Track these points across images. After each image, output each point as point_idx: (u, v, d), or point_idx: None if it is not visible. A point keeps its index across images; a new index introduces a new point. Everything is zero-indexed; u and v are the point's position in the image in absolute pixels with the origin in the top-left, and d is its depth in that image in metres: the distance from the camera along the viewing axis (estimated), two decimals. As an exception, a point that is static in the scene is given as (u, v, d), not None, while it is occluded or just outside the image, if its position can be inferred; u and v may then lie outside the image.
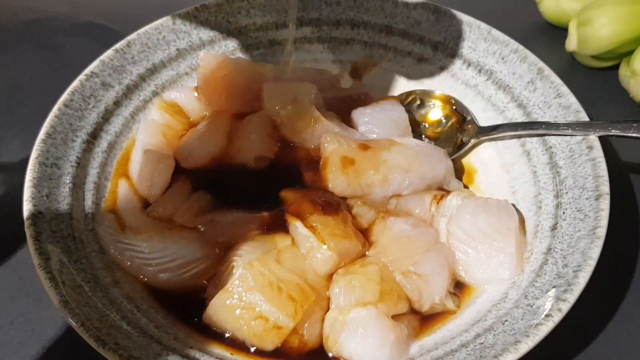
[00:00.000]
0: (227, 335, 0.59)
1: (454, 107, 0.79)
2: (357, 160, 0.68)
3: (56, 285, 0.55)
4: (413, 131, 0.77)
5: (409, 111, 0.78)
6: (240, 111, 0.77)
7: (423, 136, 0.80)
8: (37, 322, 0.63)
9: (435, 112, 0.80)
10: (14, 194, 0.71)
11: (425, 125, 0.80)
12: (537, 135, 0.71)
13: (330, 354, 0.59)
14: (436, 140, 0.79)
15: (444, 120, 0.79)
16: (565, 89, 0.71)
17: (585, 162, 0.65)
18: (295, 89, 0.75)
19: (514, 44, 0.77)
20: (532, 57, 0.75)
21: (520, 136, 0.74)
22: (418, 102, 0.81)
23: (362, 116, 0.76)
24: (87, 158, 0.70)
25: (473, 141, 0.75)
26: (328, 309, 0.60)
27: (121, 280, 0.63)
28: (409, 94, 0.82)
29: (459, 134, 0.77)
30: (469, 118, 0.78)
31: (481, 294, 0.63)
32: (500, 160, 0.75)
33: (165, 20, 0.80)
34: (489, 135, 0.74)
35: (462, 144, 0.76)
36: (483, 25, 0.79)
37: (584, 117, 0.69)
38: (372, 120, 0.75)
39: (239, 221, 0.65)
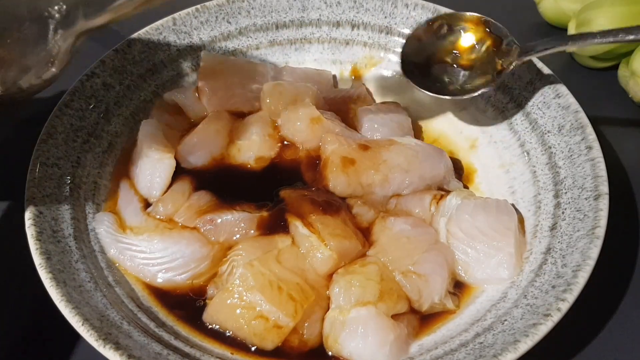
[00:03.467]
0: (227, 334, 0.60)
1: (488, 29, 0.73)
2: (358, 160, 0.68)
3: (57, 285, 0.55)
4: (443, 62, 0.73)
5: (437, 39, 0.73)
6: (240, 111, 0.77)
7: (455, 66, 0.73)
8: (38, 322, 0.63)
9: (466, 38, 0.74)
10: (14, 193, 0.71)
11: (456, 54, 0.74)
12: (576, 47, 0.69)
13: (330, 353, 0.59)
14: (471, 68, 0.73)
15: (477, 46, 0.73)
16: (564, 89, 0.71)
17: (584, 162, 0.66)
18: (295, 89, 0.75)
19: (514, 44, 0.77)
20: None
21: (519, 137, 0.74)
22: (445, 28, 0.74)
23: (366, 115, 0.76)
24: (87, 158, 0.70)
25: (515, 63, 0.70)
26: (328, 309, 0.60)
27: (122, 279, 0.63)
28: (434, 20, 0.76)
29: (497, 58, 0.71)
30: (507, 39, 0.72)
31: (480, 293, 0.63)
32: (499, 160, 0.75)
33: (165, 21, 0.80)
34: (532, 54, 0.69)
35: (503, 70, 0.71)
36: (483, 25, 0.79)
37: (583, 117, 0.69)
38: (375, 119, 0.75)
39: (239, 221, 0.65)
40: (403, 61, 0.75)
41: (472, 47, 0.74)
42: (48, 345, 0.62)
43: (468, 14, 0.75)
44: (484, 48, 0.73)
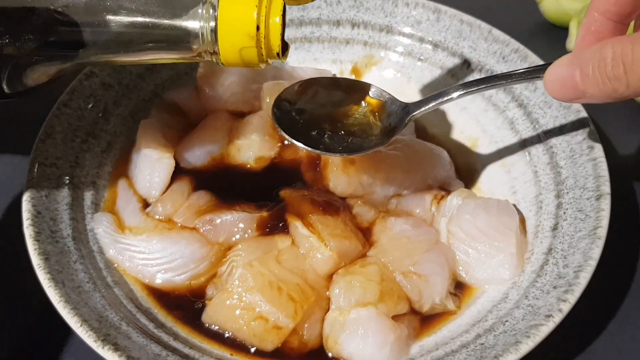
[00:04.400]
0: (227, 335, 0.59)
1: (368, 93, 0.69)
2: (358, 160, 0.68)
3: (55, 286, 0.55)
4: (322, 127, 0.66)
5: (313, 105, 0.67)
6: (240, 111, 0.77)
7: (329, 134, 0.65)
8: (37, 323, 0.63)
9: (345, 104, 0.68)
10: (13, 193, 0.71)
11: (335, 123, 0.67)
12: (470, 92, 0.65)
13: (330, 355, 0.59)
14: (354, 134, 0.66)
15: (359, 112, 0.68)
16: (565, 89, 0.71)
17: (586, 162, 0.65)
18: (295, 89, 0.75)
19: (515, 44, 0.77)
20: (533, 57, 0.75)
21: (520, 137, 0.73)
22: (321, 93, 0.68)
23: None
24: (86, 158, 0.69)
25: (404, 123, 0.66)
26: (328, 310, 0.60)
27: (121, 280, 0.62)
28: (306, 84, 0.68)
29: (382, 120, 0.67)
30: (388, 100, 0.68)
31: (481, 294, 0.63)
32: (500, 160, 0.75)
33: (165, 20, 0.79)
34: (418, 113, 0.66)
35: (392, 130, 0.66)
36: (483, 24, 0.79)
37: (584, 117, 0.69)
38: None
39: (238, 221, 0.65)
40: (276, 119, 0.65)
41: (353, 112, 0.68)
42: (46, 345, 0.62)
43: (343, 78, 0.71)
44: (365, 113, 0.68)
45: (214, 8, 0.50)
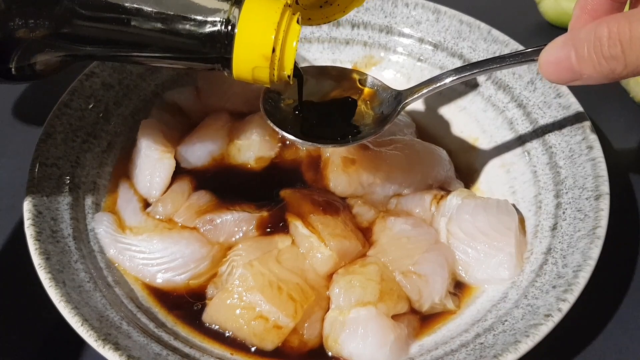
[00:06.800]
0: (227, 334, 0.59)
1: (359, 81, 0.67)
2: (358, 160, 0.68)
3: (56, 285, 0.55)
4: (312, 116, 0.64)
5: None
6: (240, 111, 0.77)
7: (320, 125, 0.64)
8: (37, 322, 0.63)
9: (336, 94, 0.67)
10: (14, 193, 0.71)
11: (326, 113, 0.66)
12: (467, 76, 0.64)
13: (330, 354, 0.59)
14: (345, 122, 0.65)
15: (350, 101, 0.67)
16: (565, 89, 0.71)
17: (585, 162, 0.66)
18: (295, 89, 0.75)
19: (514, 44, 0.77)
20: (532, 57, 0.75)
21: (520, 137, 0.74)
22: (310, 83, 0.65)
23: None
24: (87, 158, 0.70)
25: (397, 111, 0.64)
26: (328, 309, 0.60)
27: (121, 280, 0.63)
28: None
29: (373, 110, 0.66)
30: (379, 88, 0.67)
31: (481, 294, 0.63)
32: (500, 160, 0.75)
33: (165, 20, 0.79)
34: (412, 98, 0.64)
35: (386, 117, 0.64)
36: (483, 25, 0.79)
37: (583, 117, 0.69)
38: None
39: (238, 221, 0.65)
40: (266, 111, 0.63)
41: (344, 102, 0.66)
42: (47, 345, 0.62)
43: (331, 66, 0.70)
44: (356, 101, 0.66)
45: (234, 25, 0.50)
